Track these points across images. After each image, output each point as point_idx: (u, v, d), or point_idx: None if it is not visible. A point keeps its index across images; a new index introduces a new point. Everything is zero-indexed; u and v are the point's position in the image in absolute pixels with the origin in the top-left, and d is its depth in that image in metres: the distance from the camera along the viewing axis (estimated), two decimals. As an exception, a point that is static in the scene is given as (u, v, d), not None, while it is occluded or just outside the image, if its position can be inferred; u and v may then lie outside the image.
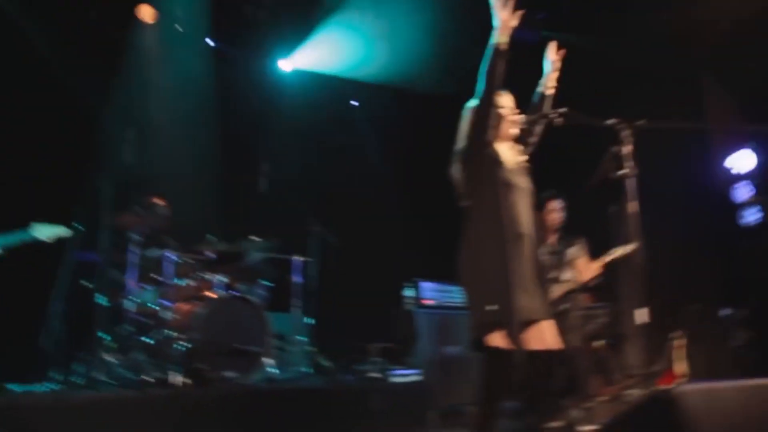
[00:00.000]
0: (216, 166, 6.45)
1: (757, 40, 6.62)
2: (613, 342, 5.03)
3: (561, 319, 4.87)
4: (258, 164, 6.01)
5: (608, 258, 4.88)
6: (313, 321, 5.91)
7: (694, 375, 6.33)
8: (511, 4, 2.87)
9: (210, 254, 5.20)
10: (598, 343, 4.93)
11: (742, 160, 6.69)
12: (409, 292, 5.89)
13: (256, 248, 5.61)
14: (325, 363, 5.50)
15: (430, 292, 5.96)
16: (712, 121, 7.38)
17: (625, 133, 2.95)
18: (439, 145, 3.51)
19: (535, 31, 7.15)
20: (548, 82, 3.24)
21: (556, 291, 4.93)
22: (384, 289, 6.15)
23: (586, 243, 5.21)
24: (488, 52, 2.89)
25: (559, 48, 3.26)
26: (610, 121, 2.98)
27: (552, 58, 3.25)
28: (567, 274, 4.98)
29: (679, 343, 6.42)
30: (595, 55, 7.16)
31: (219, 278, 5.10)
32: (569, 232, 5.21)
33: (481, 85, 2.94)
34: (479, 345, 2.96)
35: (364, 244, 6.73)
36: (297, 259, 5.92)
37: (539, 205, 5.10)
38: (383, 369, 5.38)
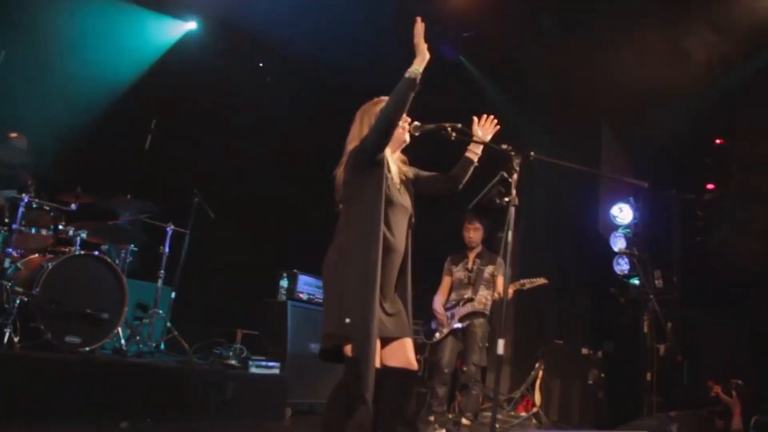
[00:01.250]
0: (100, 115, 6.00)
1: (651, 106, 7.07)
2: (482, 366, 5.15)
3: (464, 335, 4.99)
4: (148, 120, 5.62)
5: (518, 286, 5.05)
6: (176, 295, 5.62)
7: (549, 405, 6.61)
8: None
9: (73, 206, 4.79)
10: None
11: (624, 212, 7.02)
12: (284, 283, 5.75)
13: (128, 208, 5.26)
14: (183, 342, 5.22)
15: (307, 285, 5.86)
16: (604, 168, 7.74)
17: (516, 161, 2.94)
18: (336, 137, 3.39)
19: (457, 49, 7.25)
20: (476, 147, 3.17)
21: (464, 309, 5.06)
22: (257, 276, 5.97)
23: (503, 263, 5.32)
24: (404, 81, 2.81)
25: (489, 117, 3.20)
26: (503, 146, 2.96)
27: (486, 128, 3.18)
28: (482, 292, 5.10)
29: (539, 374, 6.69)
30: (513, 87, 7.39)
31: (79, 234, 4.70)
32: (487, 249, 5.37)
33: (388, 108, 2.84)
34: (327, 354, 2.85)
35: (246, 226, 6.50)
36: (171, 227, 5.61)
37: (460, 223, 5.24)
38: (244, 357, 5.19)
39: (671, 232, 7.66)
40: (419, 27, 2.84)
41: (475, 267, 5.21)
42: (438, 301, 5.23)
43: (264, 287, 5.91)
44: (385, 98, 3.00)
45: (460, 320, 5.06)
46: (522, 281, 5.07)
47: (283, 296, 5.72)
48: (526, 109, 7.60)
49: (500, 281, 5.14)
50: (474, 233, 5.28)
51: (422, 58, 2.83)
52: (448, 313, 5.13)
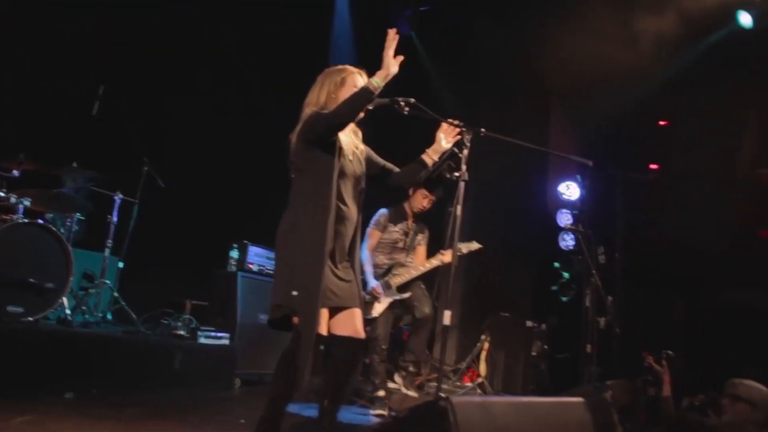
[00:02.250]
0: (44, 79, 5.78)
1: (599, 85, 7.25)
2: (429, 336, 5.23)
3: (400, 303, 5.00)
4: (95, 85, 5.45)
5: (456, 252, 5.04)
6: (123, 265, 5.54)
7: (494, 376, 6.82)
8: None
9: (16, 172, 4.64)
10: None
11: (570, 189, 7.22)
12: (234, 254, 5.73)
13: (74, 176, 5.13)
14: (130, 312, 5.17)
15: (257, 257, 5.86)
16: (553, 146, 7.92)
17: (467, 137, 3.01)
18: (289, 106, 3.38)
19: (411, 24, 7.28)
20: (434, 154, 3.18)
21: (402, 276, 5.02)
22: (207, 247, 5.92)
23: (430, 235, 5.40)
24: (362, 91, 2.83)
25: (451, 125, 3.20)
26: (454, 121, 3.02)
27: (448, 138, 3.19)
28: (409, 259, 5.15)
29: (484, 346, 6.88)
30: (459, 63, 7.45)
31: (22, 201, 4.58)
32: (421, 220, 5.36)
33: (340, 113, 2.87)
34: (276, 323, 2.90)
35: (196, 196, 6.41)
36: (119, 196, 5.51)
37: (413, 188, 5.14)
38: (192, 328, 5.18)
39: (615, 210, 7.93)
40: (391, 39, 2.83)
41: (411, 232, 5.20)
42: (370, 262, 5.04)
43: (213, 258, 5.89)
44: (351, 68, 3.04)
45: (399, 290, 5.00)
46: (458, 245, 5.08)
47: (233, 267, 5.72)
48: (477, 85, 7.66)
49: (421, 251, 5.18)
50: (428, 204, 5.23)
51: (386, 73, 2.82)
52: (382, 282, 4.99)
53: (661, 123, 9.35)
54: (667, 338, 6.53)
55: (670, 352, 5.16)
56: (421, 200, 5.20)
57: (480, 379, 6.78)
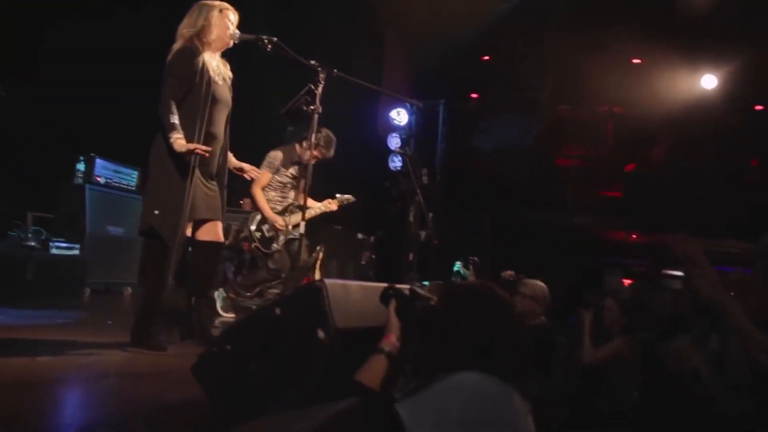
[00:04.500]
0: None
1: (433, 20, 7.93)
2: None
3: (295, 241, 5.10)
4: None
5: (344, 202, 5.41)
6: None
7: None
8: None
9: None
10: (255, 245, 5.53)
11: (400, 116, 7.94)
12: (81, 167, 5.77)
13: None
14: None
15: (104, 170, 5.93)
16: (387, 76, 8.58)
17: (321, 75, 3.51)
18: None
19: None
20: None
21: (297, 216, 5.07)
22: (50, 158, 5.85)
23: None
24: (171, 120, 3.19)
25: None
26: (312, 62, 3.51)
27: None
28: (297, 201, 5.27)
29: (319, 255, 7.57)
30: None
31: None
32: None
33: (163, 109, 3.21)
34: (143, 233, 3.34)
35: (40, 107, 6.17)
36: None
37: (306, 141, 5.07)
38: (43, 239, 5.24)
39: (438, 136, 8.85)
40: None
41: (298, 175, 5.29)
42: (264, 199, 5.14)
43: (57, 170, 5.85)
44: (226, 5, 3.39)
45: (294, 228, 5.13)
46: (346, 197, 5.43)
47: (80, 179, 5.75)
48: (315, 21, 7.83)
49: (291, 193, 5.35)
50: (321, 157, 5.17)
51: None
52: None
53: (484, 58, 10.39)
54: (476, 248, 7.59)
55: (476, 258, 6.10)
56: (311, 157, 5.13)
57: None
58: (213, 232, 3.55)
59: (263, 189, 5.12)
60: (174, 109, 3.21)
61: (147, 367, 2.87)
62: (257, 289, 7.05)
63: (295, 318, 2.03)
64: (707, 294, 2.40)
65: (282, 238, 5.15)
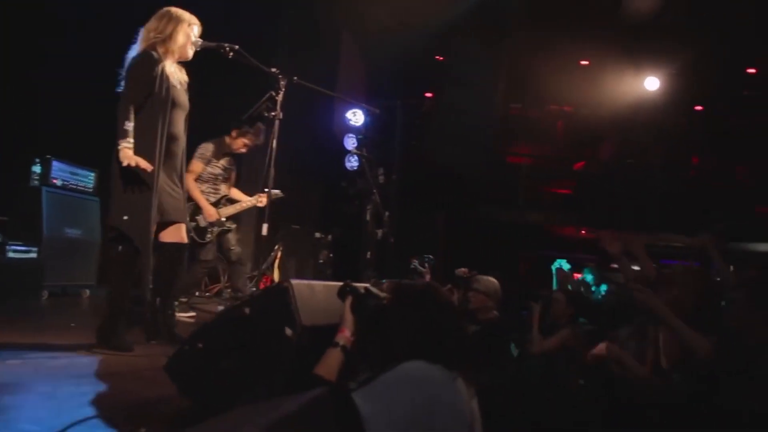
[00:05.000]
0: None
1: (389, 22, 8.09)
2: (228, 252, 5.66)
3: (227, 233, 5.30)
4: None
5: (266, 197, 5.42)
6: None
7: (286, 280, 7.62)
8: None
9: None
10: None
11: (356, 116, 8.06)
12: (37, 169, 5.72)
13: None
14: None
15: (61, 172, 5.87)
16: (342, 78, 8.70)
17: (282, 83, 3.63)
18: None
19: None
20: None
21: (230, 209, 5.30)
22: (8, 160, 5.76)
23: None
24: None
25: None
26: (273, 69, 3.63)
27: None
28: (229, 192, 5.42)
29: (278, 254, 7.65)
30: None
31: None
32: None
33: (121, 113, 3.27)
34: (110, 240, 3.40)
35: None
36: None
37: (236, 131, 5.22)
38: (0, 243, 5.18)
39: (394, 136, 9.02)
40: None
41: (229, 167, 5.40)
42: (198, 189, 5.21)
43: (12, 173, 5.77)
44: (195, 19, 3.49)
45: (227, 218, 5.30)
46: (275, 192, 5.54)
47: (36, 182, 5.69)
48: (273, 25, 7.86)
49: (222, 186, 5.41)
50: (246, 150, 5.33)
51: None
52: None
53: (438, 58, 10.61)
54: (430, 246, 7.78)
55: (431, 256, 6.28)
56: (241, 146, 5.32)
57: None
58: (177, 233, 3.63)
59: (196, 182, 5.20)
60: (131, 114, 3.27)
61: (117, 366, 2.93)
62: (216, 289, 7.15)
63: (263, 317, 2.17)
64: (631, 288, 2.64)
65: (216, 229, 5.24)
